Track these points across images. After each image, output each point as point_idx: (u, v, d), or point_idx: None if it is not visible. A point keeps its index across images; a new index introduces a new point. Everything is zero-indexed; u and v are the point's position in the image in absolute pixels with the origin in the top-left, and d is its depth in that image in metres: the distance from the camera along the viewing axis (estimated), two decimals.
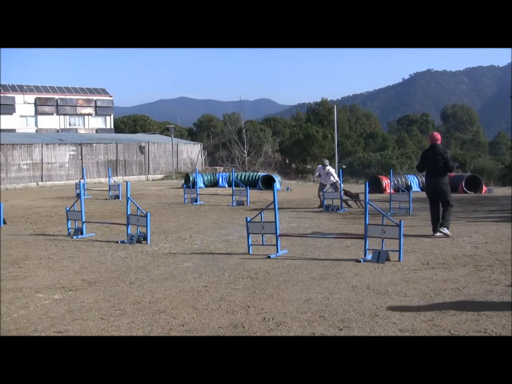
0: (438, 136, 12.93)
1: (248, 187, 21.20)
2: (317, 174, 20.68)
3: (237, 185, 22.08)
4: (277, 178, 28.42)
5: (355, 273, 8.97)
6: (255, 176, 30.01)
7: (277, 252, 10.62)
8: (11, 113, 59.69)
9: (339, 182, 19.29)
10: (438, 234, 12.39)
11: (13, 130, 55.81)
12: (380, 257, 9.77)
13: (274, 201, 10.70)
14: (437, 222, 12.48)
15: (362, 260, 9.88)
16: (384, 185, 25.12)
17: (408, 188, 23.02)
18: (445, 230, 12.29)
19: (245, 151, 45.51)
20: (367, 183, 11.03)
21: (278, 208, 11.04)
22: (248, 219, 11.02)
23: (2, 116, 58.03)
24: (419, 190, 25.86)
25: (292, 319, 6.65)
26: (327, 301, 7.41)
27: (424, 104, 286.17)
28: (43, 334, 6.28)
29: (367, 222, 10.11)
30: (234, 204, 20.50)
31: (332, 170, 19.98)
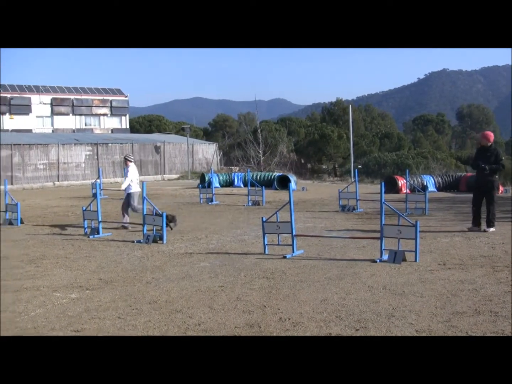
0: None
1: (263, 187, 21.18)
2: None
3: (252, 185, 22.08)
4: (293, 178, 28.36)
5: (371, 274, 8.96)
6: (271, 176, 29.96)
7: (293, 252, 10.62)
8: (27, 114, 59.96)
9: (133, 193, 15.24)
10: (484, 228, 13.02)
11: (30, 131, 56.08)
12: (396, 257, 9.75)
13: (289, 201, 10.70)
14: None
15: (378, 261, 9.86)
16: (399, 185, 25.00)
17: (424, 188, 22.87)
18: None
19: (260, 151, 45.50)
20: (382, 183, 11.02)
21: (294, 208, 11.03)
22: (264, 219, 11.03)
23: (19, 117, 58.34)
24: (435, 190, 25.75)
25: (309, 319, 6.66)
26: (343, 301, 7.41)
27: (439, 104, 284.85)
28: (61, 333, 6.33)
29: (383, 222, 10.09)
30: (250, 204, 20.50)
31: (133, 170, 15.51)
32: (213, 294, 7.94)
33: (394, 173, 35.35)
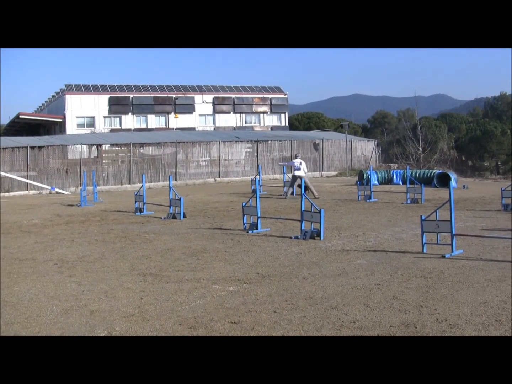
0: None
1: (423, 185, 20.75)
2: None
3: (411, 182, 21.66)
4: (453, 176, 27.53)
5: None
6: (430, 174, 29.22)
7: (452, 251, 10.30)
8: (191, 112, 62.31)
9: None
10: None
11: (193, 129, 58.23)
12: None
13: (450, 199, 10.39)
14: None
15: None
16: None
17: None
18: None
19: (419, 148, 44.66)
20: None
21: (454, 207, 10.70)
22: (423, 217, 10.78)
23: (183, 115, 60.87)
24: None
25: (467, 321, 6.43)
26: (504, 305, 7.08)
27: None
28: (219, 324, 6.51)
29: None
30: (409, 202, 20.14)
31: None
32: (369, 292, 7.87)
33: None
